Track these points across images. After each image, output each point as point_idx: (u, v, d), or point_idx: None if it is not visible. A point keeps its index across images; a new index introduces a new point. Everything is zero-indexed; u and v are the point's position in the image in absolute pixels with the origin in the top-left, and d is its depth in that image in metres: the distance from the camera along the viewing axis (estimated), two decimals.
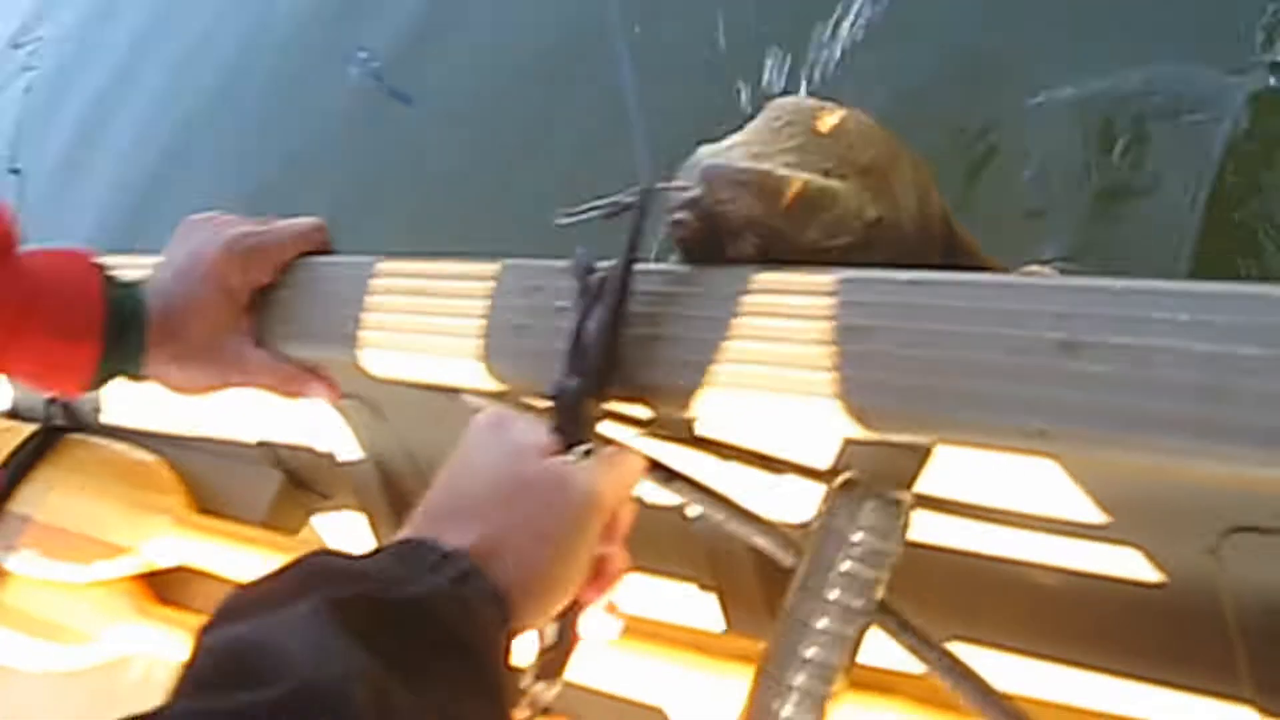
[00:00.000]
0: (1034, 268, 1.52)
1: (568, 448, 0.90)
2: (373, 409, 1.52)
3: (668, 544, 1.33)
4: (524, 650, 0.84)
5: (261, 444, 1.79)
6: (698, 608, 1.36)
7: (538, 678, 0.87)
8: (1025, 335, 0.82)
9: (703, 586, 1.36)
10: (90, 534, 1.75)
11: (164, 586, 1.79)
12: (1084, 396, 0.79)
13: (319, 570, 0.70)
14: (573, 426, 0.94)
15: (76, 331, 1.16)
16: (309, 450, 1.72)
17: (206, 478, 1.81)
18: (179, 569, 1.71)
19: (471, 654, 0.70)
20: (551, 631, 0.87)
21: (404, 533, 0.79)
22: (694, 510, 1.14)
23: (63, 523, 1.78)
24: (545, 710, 0.88)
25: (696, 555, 1.33)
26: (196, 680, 0.62)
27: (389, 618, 0.67)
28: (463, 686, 0.68)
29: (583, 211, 1.07)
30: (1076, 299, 0.82)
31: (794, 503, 1.09)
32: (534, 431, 0.89)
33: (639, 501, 0.94)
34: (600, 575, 0.87)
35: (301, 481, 1.79)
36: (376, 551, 0.76)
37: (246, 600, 0.68)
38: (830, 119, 1.08)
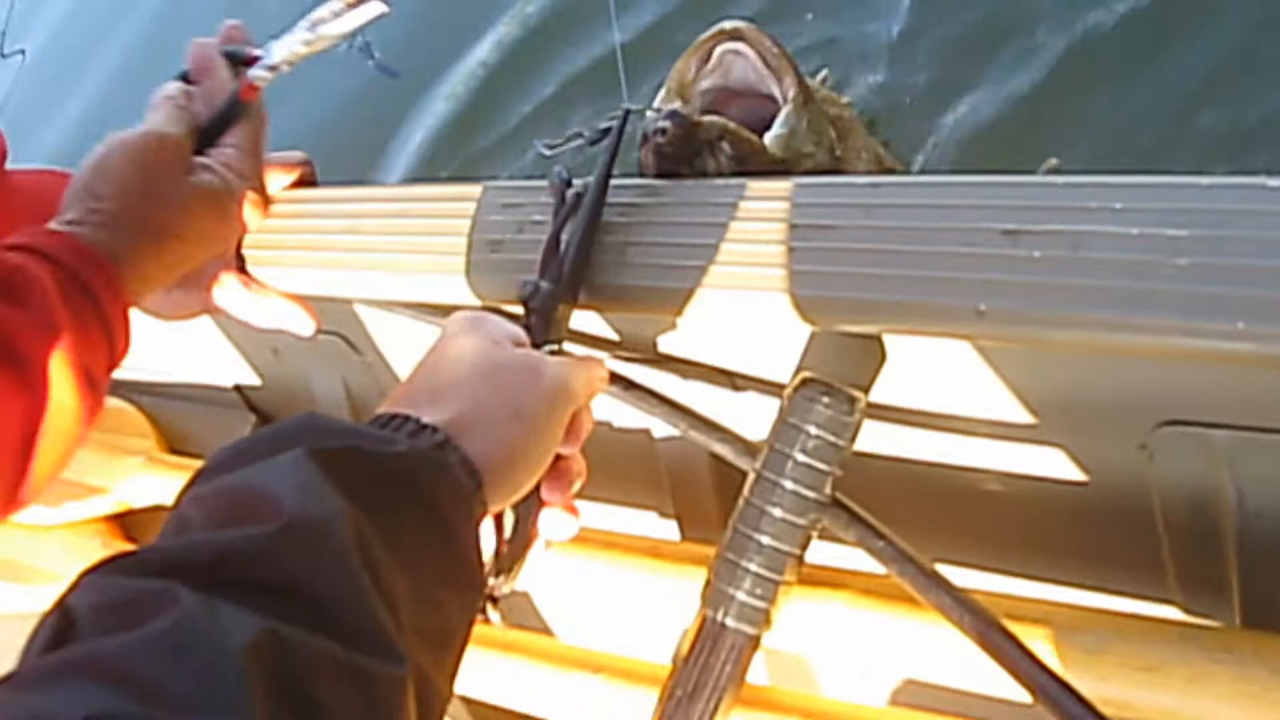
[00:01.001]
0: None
1: (538, 346, 0.96)
2: (349, 345, 1.56)
3: (632, 474, 1.38)
4: (484, 544, 0.88)
5: (236, 388, 1.82)
6: (658, 528, 1.41)
7: (495, 571, 0.90)
8: (972, 227, 0.88)
9: (663, 515, 1.42)
10: (63, 476, 1.77)
11: (134, 526, 1.82)
12: (1022, 278, 0.85)
13: (303, 425, 0.72)
14: (544, 326, 1.00)
15: None
16: (283, 392, 1.75)
17: (179, 423, 1.84)
18: (150, 508, 1.74)
19: (444, 517, 0.73)
20: (511, 526, 0.90)
21: (382, 410, 0.82)
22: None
23: None
24: (495, 601, 0.91)
25: (659, 483, 1.38)
26: (183, 521, 0.64)
27: (370, 470, 0.69)
28: (434, 548, 0.71)
29: (564, 141, 1.12)
30: (1021, 192, 0.88)
31: (754, 420, 1.14)
32: (508, 326, 0.94)
33: (608, 427, 0.97)
34: (560, 476, 0.91)
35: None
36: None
37: (232, 455, 0.69)
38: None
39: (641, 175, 1.10)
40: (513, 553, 0.90)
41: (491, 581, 0.90)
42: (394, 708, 0.59)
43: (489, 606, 0.90)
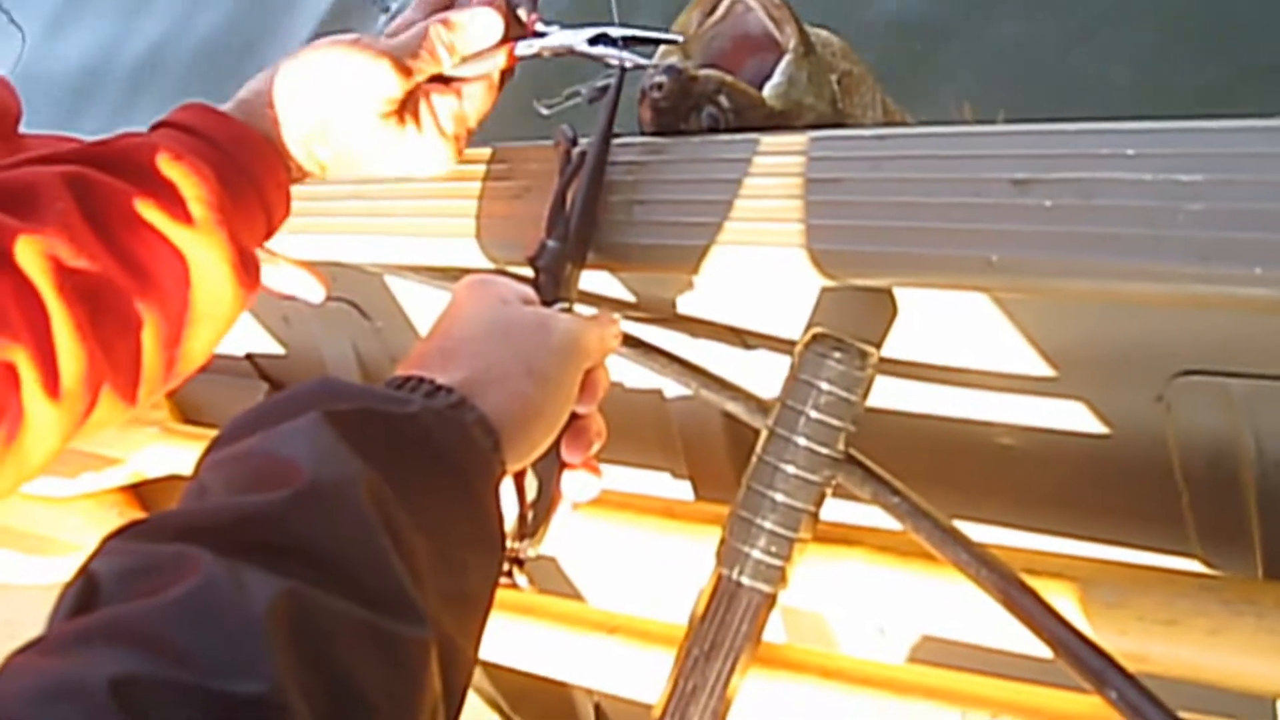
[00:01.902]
0: None
1: (548, 305, 0.95)
2: (359, 312, 1.55)
3: (645, 436, 1.37)
4: (507, 508, 0.87)
5: (247, 357, 1.82)
6: (672, 490, 1.41)
7: (520, 535, 0.90)
8: (981, 177, 0.87)
9: (676, 476, 1.41)
10: (78, 447, 1.77)
11: (149, 496, 1.83)
12: (1033, 227, 0.83)
13: (317, 389, 0.71)
14: (553, 285, 0.99)
15: None
16: (295, 359, 1.75)
17: (192, 393, 1.84)
18: (166, 478, 1.74)
19: (464, 477, 0.72)
20: (533, 489, 0.90)
21: (395, 374, 0.81)
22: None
23: None
24: (521, 564, 0.90)
25: (672, 445, 1.37)
26: (202, 488, 0.63)
27: (387, 432, 0.69)
28: (453, 509, 0.70)
29: (562, 99, 1.11)
30: (1031, 141, 0.87)
31: (766, 379, 1.13)
32: (517, 286, 0.93)
33: (620, 389, 0.96)
34: (579, 435, 0.90)
35: None
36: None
37: (246, 422, 0.69)
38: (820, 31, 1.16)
39: (641, 133, 1.08)
40: (537, 515, 0.90)
41: (516, 545, 0.89)
42: (417, 670, 0.59)
43: (515, 570, 0.90)
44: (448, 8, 1.05)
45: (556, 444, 0.88)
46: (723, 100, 1.05)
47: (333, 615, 0.55)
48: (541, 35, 1.05)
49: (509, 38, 1.03)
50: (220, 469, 0.65)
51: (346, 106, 0.98)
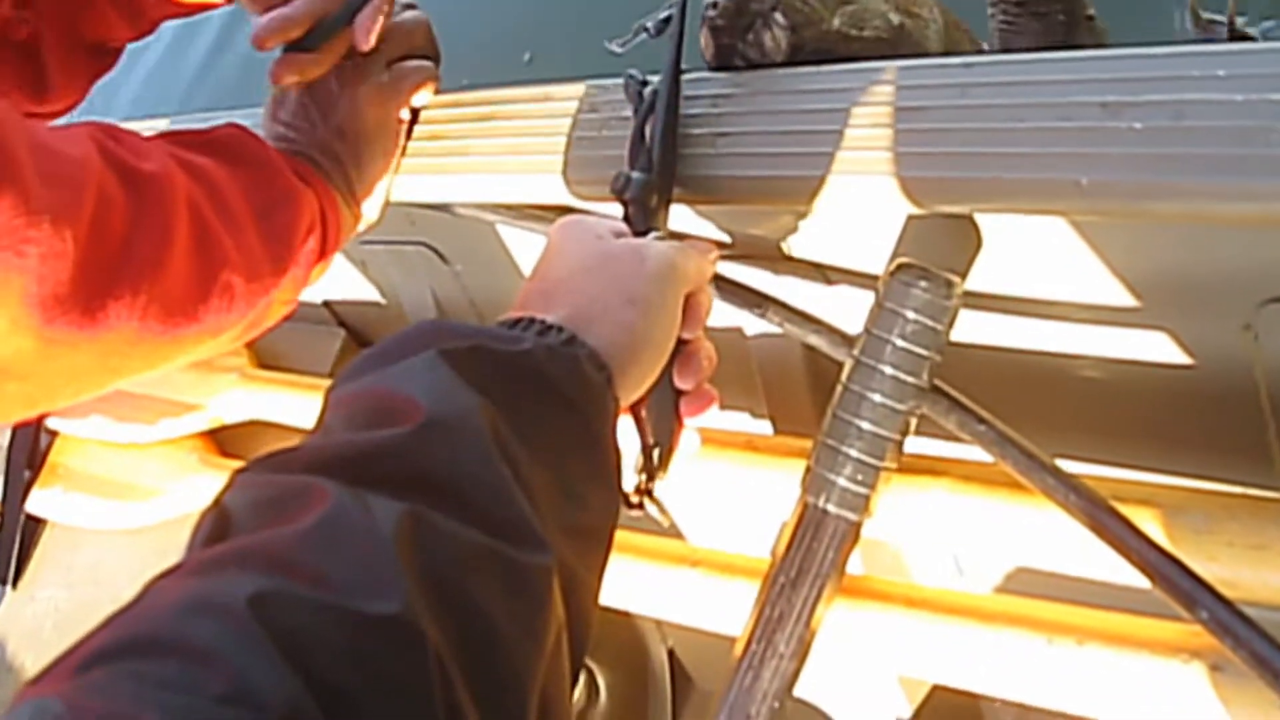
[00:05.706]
0: None
1: (640, 236, 0.96)
2: (438, 256, 1.56)
3: (724, 374, 1.37)
4: (629, 444, 0.88)
5: (325, 304, 1.83)
6: (751, 429, 1.41)
7: (646, 470, 0.91)
8: (1070, 101, 0.86)
9: (756, 415, 1.41)
10: (157, 395, 1.80)
11: (229, 441, 1.85)
12: (1123, 149, 0.83)
13: (431, 329, 0.73)
14: (642, 216, 0.99)
15: None
16: (373, 305, 1.76)
17: (270, 340, 1.83)
18: (245, 424, 1.77)
19: (580, 412, 0.73)
20: (652, 420, 0.90)
21: (502, 317, 0.82)
22: None
23: (130, 387, 1.84)
24: (651, 495, 0.91)
25: (752, 383, 1.38)
26: (328, 429, 0.65)
27: (502, 368, 0.70)
28: (570, 443, 0.71)
29: (631, 36, 1.12)
30: (1119, 65, 0.86)
31: (847, 316, 1.13)
32: (608, 221, 0.95)
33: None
34: (689, 360, 0.91)
35: (365, 338, 1.83)
36: None
37: (363, 363, 0.71)
38: None
39: (707, 65, 1.08)
40: (661, 445, 0.91)
41: (642, 479, 0.90)
42: (540, 595, 0.60)
43: (647, 501, 0.91)
44: None
45: (668, 374, 0.89)
46: (778, 18, 1.04)
47: (454, 540, 0.57)
48: None
49: None
50: (340, 408, 0.66)
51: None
